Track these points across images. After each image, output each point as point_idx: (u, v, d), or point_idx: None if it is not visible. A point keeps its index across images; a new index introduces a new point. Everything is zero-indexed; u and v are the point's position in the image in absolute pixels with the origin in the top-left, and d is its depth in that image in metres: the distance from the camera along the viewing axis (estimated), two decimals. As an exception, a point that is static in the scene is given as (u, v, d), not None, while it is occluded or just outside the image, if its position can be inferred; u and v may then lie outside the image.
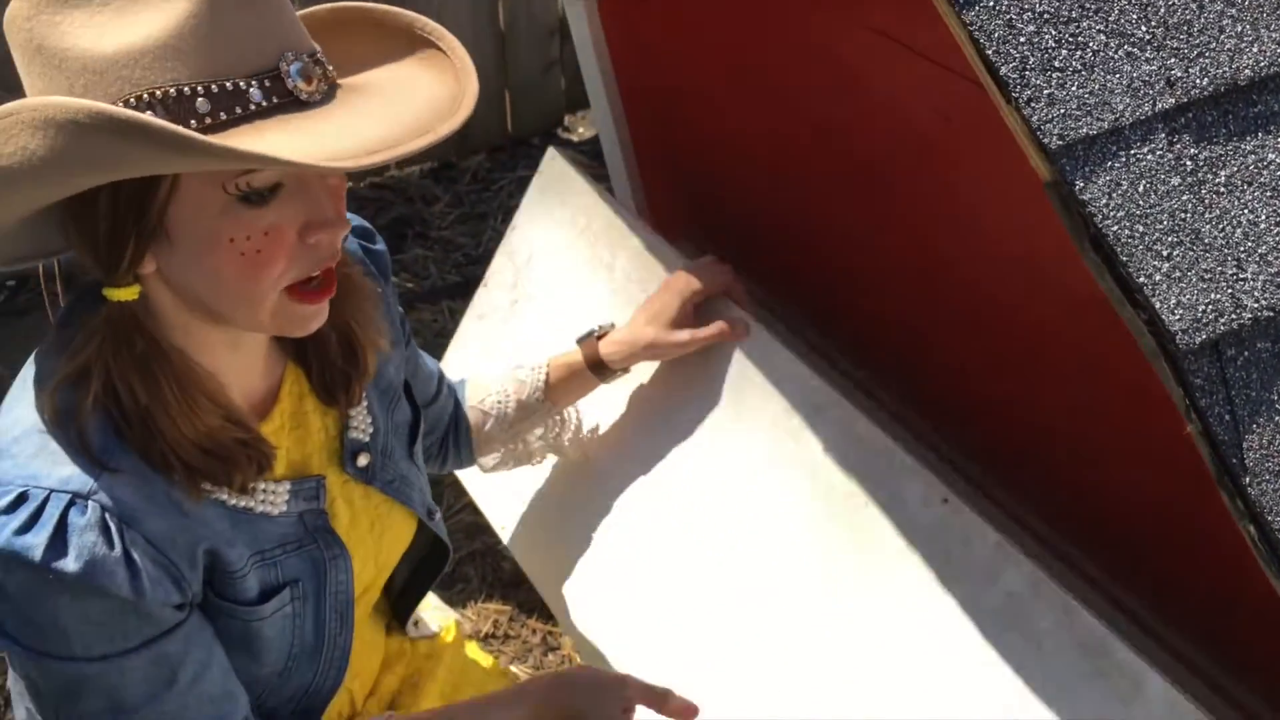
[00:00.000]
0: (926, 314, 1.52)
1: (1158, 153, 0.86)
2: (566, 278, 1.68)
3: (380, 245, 1.21)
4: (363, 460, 1.10)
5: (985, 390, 1.47)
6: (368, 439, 1.11)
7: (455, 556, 2.39)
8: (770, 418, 1.31)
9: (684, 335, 1.34)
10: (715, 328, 1.35)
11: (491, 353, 1.75)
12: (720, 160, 1.90)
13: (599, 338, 1.37)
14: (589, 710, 1.13)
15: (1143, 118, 0.86)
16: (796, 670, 1.30)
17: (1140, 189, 0.85)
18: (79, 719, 0.95)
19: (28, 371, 0.96)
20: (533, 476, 1.62)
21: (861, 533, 1.19)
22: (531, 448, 1.42)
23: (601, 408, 1.50)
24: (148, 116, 0.78)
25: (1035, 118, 0.84)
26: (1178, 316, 0.85)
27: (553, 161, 1.77)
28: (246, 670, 1.02)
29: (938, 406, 1.61)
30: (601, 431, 1.51)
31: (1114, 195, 0.85)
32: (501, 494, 1.76)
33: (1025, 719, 1.06)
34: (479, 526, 2.40)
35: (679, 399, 1.43)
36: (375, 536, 1.13)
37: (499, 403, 1.38)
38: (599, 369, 1.37)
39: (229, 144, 0.79)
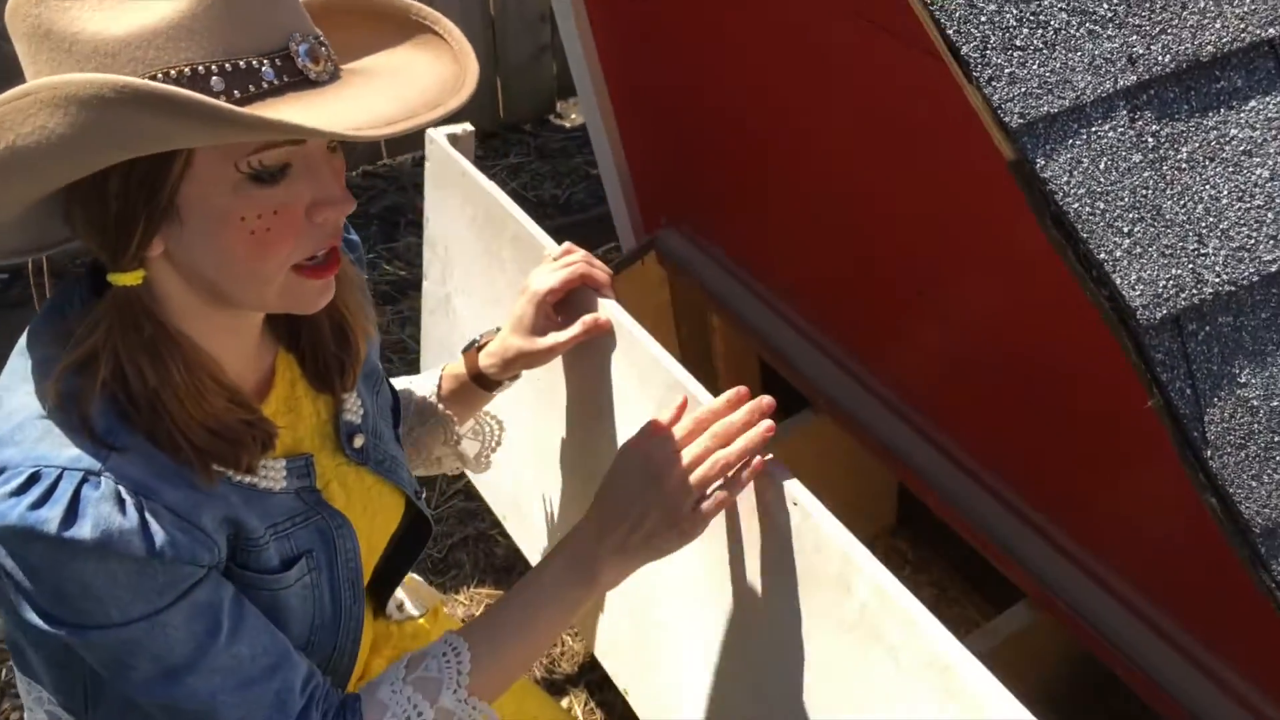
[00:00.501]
0: (902, 285, 1.53)
1: (1119, 130, 0.87)
2: (476, 269, 1.65)
3: (354, 235, 1.22)
4: (358, 442, 1.12)
5: (979, 387, 1.48)
6: (360, 421, 1.13)
7: (448, 543, 2.41)
8: (642, 415, 1.28)
9: (546, 342, 1.29)
10: (577, 328, 1.29)
11: (449, 347, 1.74)
12: (705, 148, 1.90)
13: (479, 348, 1.34)
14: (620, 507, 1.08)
15: (1104, 95, 0.87)
16: (693, 671, 1.30)
17: (1101, 166, 0.86)
18: (133, 689, 0.95)
19: (17, 363, 0.97)
20: (530, 464, 1.62)
21: (738, 539, 1.14)
22: (434, 454, 1.40)
23: (548, 400, 1.49)
24: (177, 89, 0.79)
25: (996, 96, 0.85)
26: (1138, 292, 0.85)
27: (433, 146, 1.70)
28: None
29: (923, 388, 1.62)
30: (562, 423, 1.50)
31: (1075, 173, 0.85)
32: (500, 482, 1.76)
33: None
34: (471, 512, 2.41)
35: (587, 396, 1.39)
36: (368, 518, 1.15)
37: (402, 403, 1.38)
38: (481, 380, 1.34)
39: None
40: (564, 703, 2.13)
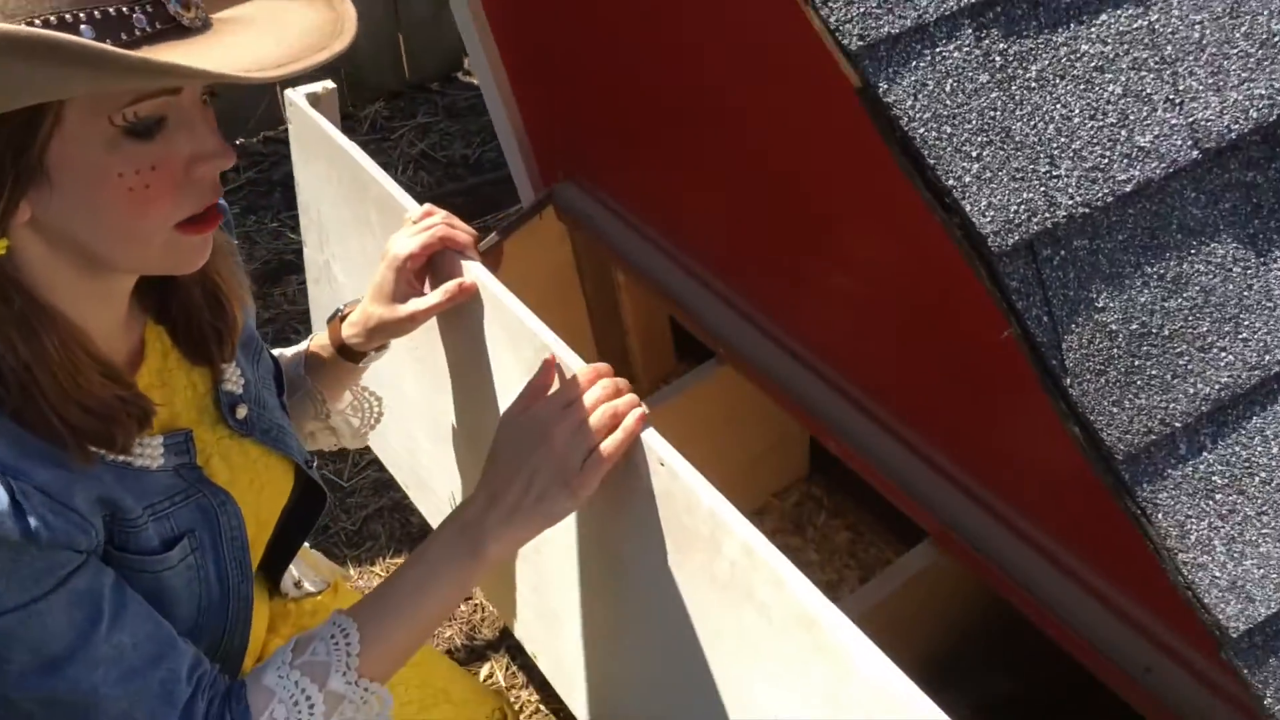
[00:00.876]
0: (793, 230, 1.50)
1: (965, 49, 0.83)
2: (348, 234, 1.60)
3: (222, 200, 1.19)
4: (241, 412, 1.09)
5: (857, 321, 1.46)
6: (241, 391, 1.10)
7: (362, 514, 2.36)
8: (517, 379, 1.25)
9: (406, 310, 1.24)
10: (438, 295, 1.24)
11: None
12: (595, 98, 1.85)
13: (342, 318, 1.29)
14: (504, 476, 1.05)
15: (948, 13, 0.83)
16: (589, 634, 1.28)
17: (947, 88, 0.82)
18: (8, 685, 0.91)
19: None
20: (423, 434, 1.59)
21: (613, 500, 1.11)
22: (306, 429, 1.36)
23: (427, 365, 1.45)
24: (57, 33, 0.74)
25: (834, 18, 0.81)
26: (989, 218, 0.82)
27: (293, 109, 1.65)
28: None
29: (821, 333, 1.60)
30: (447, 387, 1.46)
31: (920, 96, 0.82)
32: (399, 453, 1.73)
33: (759, 697, 1.00)
34: (385, 482, 2.37)
35: (465, 363, 1.35)
36: (255, 492, 1.11)
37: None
38: (346, 352, 1.29)
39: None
40: (485, 668, 2.10)
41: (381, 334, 1.27)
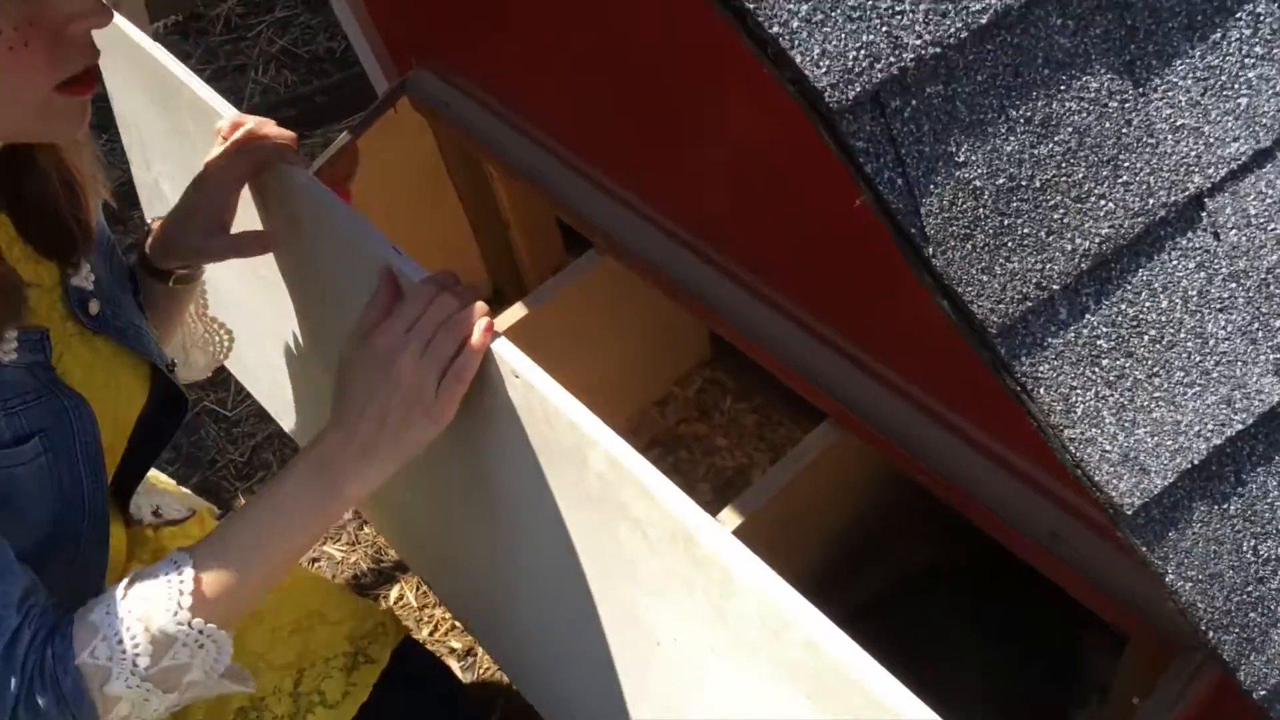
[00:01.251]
0: (641, 96, 1.38)
1: None
2: (169, 149, 1.48)
3: None
4: (94, 308, 1.05)
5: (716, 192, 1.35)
6: (92, 287, 1.06)
7: (250, 444, 2.24)
8: (359, 295, 1.15)
9: (193, 242, 1.17)
10: (226, 241, 1.17)
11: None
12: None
13: (148, 233, 1.21)
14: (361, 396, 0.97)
15: None
16: (472, 560, 1.23)
17: (765, -83, 0.69)
18: None
19: None
20: (283, 362, 1.48)
21: (475, 420, 1.03)
22: None
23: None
24: None
25: None
26: (823, 69, 0.70)
27: None
28: (11, 535, 0.94)
29: (696, 211, 1.49)
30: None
31: (733, -71, 0.69)
32: (263, 382, 1.63)
33: (647, 616, 0.95)
34: (270, 408, 2.25)
35: (307, 281, 1.27)
36: (112, 392, 1.07)
37: None
38: (153, 270, 1.21)
39: None
40: (395, 590, 2.03)
41: (177, 257, 1.17)
